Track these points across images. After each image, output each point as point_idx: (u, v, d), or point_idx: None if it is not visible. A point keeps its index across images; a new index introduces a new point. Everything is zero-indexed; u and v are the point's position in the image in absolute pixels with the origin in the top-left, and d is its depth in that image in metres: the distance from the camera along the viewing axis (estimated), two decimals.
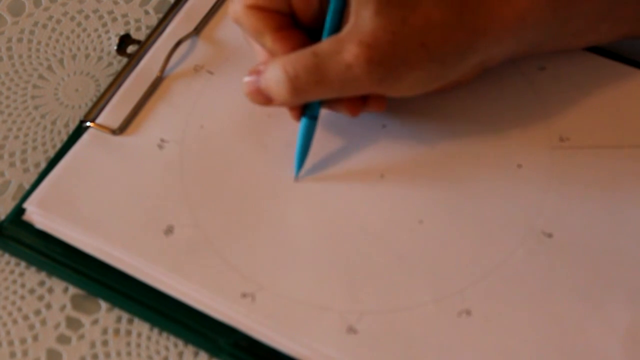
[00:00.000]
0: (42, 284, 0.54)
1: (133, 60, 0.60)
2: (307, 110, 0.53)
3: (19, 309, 0.53)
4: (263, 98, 0.52)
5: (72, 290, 0.54)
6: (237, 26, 0.54)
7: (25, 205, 0.55)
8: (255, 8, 0.52)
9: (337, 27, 0.51)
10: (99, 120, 0.58)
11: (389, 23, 0.49)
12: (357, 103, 0.52)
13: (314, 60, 0.50)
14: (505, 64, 0.56)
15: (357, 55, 0.49)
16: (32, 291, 0.54)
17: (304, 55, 0.50)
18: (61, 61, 0.62)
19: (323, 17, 0.52)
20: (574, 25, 0.53)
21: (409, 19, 0.49)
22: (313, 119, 0.53)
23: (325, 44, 0.50)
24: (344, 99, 0.52)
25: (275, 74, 0.51)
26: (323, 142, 0.56)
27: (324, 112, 0.55)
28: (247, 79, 0.53)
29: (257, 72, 0.52)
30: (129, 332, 0.52)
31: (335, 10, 0.51)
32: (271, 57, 0.53)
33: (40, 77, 0.62)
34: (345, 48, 0.49)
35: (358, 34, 0.49)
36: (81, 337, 0.52)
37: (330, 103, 0.53)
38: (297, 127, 0.54)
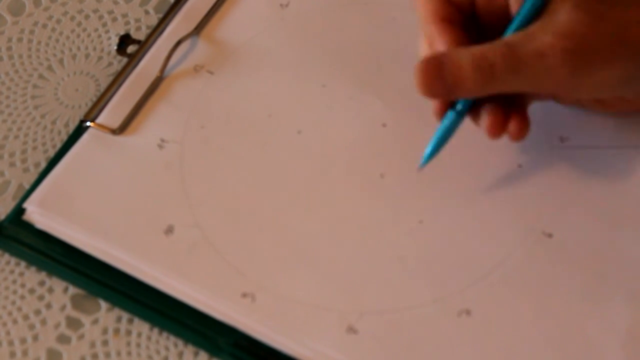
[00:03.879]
0: (42, 283, 0.54)
1: (133, 60, 0.60)
2: (456, 105, 0.51)
3: (19, 309, 0.53)
4: (442, 87, 0.50)
5: (72, 290, 0.54)
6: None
7: (25, 205, 0.55)
8: None
9: (527, 23, 0.50)
10: (99, 120, 0.58)
11: (587, 17, 0.48)
12: (502, 121, 0.51)
13: (508, 49, 0.48)
14: None
15: (553, 45, 0.48)
16: (32, 291, 0.54)
17: (496, 45, 0.49)
18: (61, 61, 0.62)
19: (504, 15, 0.51)
20: None
21: (608, 14, 0.48)
22: (460, 115, 0.51)
23: (516, 36, 0.49)
24: (489, 109, 0.51)
25: (467, 60, 0.49)
26: (322, 141, 0.56)
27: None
28: (424, 63, 0.50)
29: (437, 58, 0.49)
30: (129, 332, 0.52)
31: (532, 4, 0.49)
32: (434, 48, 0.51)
33: (40, 77, 0.62)
34: (538, 38, 0.48)
35: (552, 25, 0.48)
36: (81, 337, 0.52)
37: (477, 114, 0.51)
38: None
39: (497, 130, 0.51)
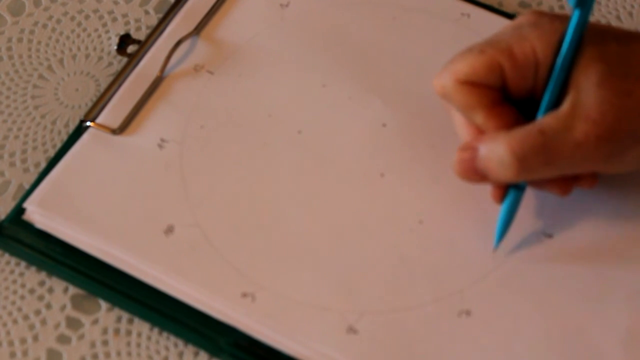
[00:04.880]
0: (42, 283, 0.54)
1: (133, 60, 0.60)
2: (514, 186, 0.51)
3: (19, 309, 0.53)
4: (478, 176, 0.50)
5: (72, 290, 0.54)
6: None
7: (25, 205, 0.55)
8: (468, 84, 0.50)
9: (557, 101, 0.49)
10: (99, 120, 0.58)
11: (614, 96, 0.48)
12: (569, 182, 0.51)
13: (542, 140, 0.48)
14: None
15: (587, 133, 0.47)
16: (32, 291, 0.54)
17: (530, 134, 0.48)
18: (61, 61, 0.62)
19: (535, 90, 0.50)
20: None
21: (635, 91, 0.48)
22: (520, 190, 0.51)
23: (550, 120, 0.48)
24: (557, 181, 0.51)
25: (499, 154, 0.49)
26: (322, 141, 0.56)
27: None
28: (460, 156, 0.50)
29: (471, 149, 0.50)
30: (129, 332, 0.52)
31: (556, 84, 0.49)
32: (479, 133, 0.51)
33: (40, 77, 0.62)
34: (572, 125, 0.48)
35: (583, 109, 0.48)
36: (81, 337, 0.52)
37: (542, 184, 0.51)
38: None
39: (566, 192, 0.51)
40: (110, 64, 0.62)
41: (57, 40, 0.63)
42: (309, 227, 0.54)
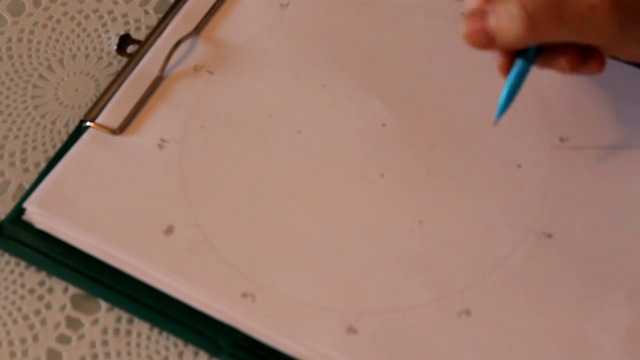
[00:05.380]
0: (42, 283, 0.54)
1: (133, 60, 0.60)
2: (522, 55, 0.50)
3: (19, 309, 0.53)
4: (486, 38, 0.49)
5: (72, 290, 0.54)
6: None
7: (25, 205, 0.55)
8: None
9: None
10: (99, 120, 0.58)
11: None
12: (578, 57, 0.50)
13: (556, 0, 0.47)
14: None
15: None
16: (32, 291, 0.54)
17: None
18: (61, 61, 0.62)
19: None
20: None
21: None
22: (528, 61, 0.50)
23: None
24: (567, 51, 0.49)
25: (511, 10, 0.48)
26: (322, 141, 0.56)
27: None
28: (469, 17, 0.49)
29: (481, 10, 0.49)
30: (129, 332, 0.52)
31: None
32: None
33: (40, 77, 0.62)
34: None
35: None
36: (81, 337, 0.52)
37: (550, 56, 0.50)
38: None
39: (575, 66, 0.50)
40: (110, 64, 0.62)
41: (57, 40, 0.63)
42: (309, 227, 0.54)
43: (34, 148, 0.59)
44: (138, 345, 0.52)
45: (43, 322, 0.53)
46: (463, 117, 0.57)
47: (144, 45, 0.61)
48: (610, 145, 0.55)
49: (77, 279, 0.53)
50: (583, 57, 0.50)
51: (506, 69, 0.51)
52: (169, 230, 0.53)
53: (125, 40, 0.62)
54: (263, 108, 0.58)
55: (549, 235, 0.53)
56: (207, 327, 0.51)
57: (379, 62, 0.60)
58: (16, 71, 0.62)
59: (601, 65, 0.50)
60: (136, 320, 0.52)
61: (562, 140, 0.56)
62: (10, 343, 0.52)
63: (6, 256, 0.55)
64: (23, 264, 0.54)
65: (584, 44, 0.50)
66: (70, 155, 0.56)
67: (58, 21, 0.64)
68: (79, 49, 0.63)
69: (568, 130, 0.56)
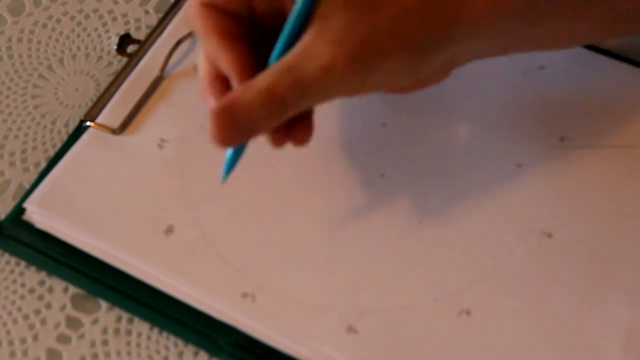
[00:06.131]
0: (42, 283, 0.54)
1: (133, 60, 0.60)
2: None
3: (19, 309, 0.53)
4: (240, 134, 0.48)
5: (72, 289, 0.54)
6: None
7: (25, 204, 0.55)
8: (211, 6, 0.48)
9: (299, 32, 0.47)
10: (99, 119, 0.58)
11: (359, 15, 0.47)
12: (281, 136, 0.49)
13: (293, 76, 0.46)
14: (505, 63, 0.56)
15: (334, 56, 0.46)
16: (32, 291, 0.54)
17: (280, 72, 0.47)
18: (61, 61, 0.62)
19: (283, 20, 0.48)
20: (549, 26, 0.51)
21: (378, 8, 0.47)
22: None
23: (297, 54, 0.47)
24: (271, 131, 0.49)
25: (258, 102, 0.47)
26: (322, 141, 0.56)
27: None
28: (215, 112, 0.47)
29: (226, 103, 0.47)
30: (129, 332, 0.52)
31: (300, 12, 0.47)
32: (213, 75, 0.49)
33: (40, 76, 0.62)
34: (318, 52, 0.46)
35: (329, 33, 0.46)
36: (81, 336, 0.52)
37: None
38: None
39: (279, 143, 0.49)
40: (110, 63, 0.62)
41: (57, 40, 0.63)
42: (308, 227, 0.54)
43: (34, 148, 0.59)
44: (138, 345, 0.52)
45: (43, 322, 0.53)
46: (463, 117, 0.57)
47: (144, 45, 0.61)
48: (610, 145, 0.55)
49: (77, 279, 0.53)
50: (285, 133, 0.49)
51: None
52: (169, 230, 0.53)
53: (125, 40, 0.62)
54: None
55: (549, 235, 0.53)
56: (207, 327, 0.51)
57: None
58: (16, 71, 0.62)
59: (307, 133, 0.49)
60: (136, 320, 0.52)
61: (562, 140, 0.56)
62: (10, 343, 0.52)
63: (6, 256, 0.55)
64: (23, 263, 0.54)
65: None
66: (71, 155, 0.56)
67: (58, 21, 0.64)
68: (79, 48, 0.63)
69: (568, 130, 0.56)
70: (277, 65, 0.47)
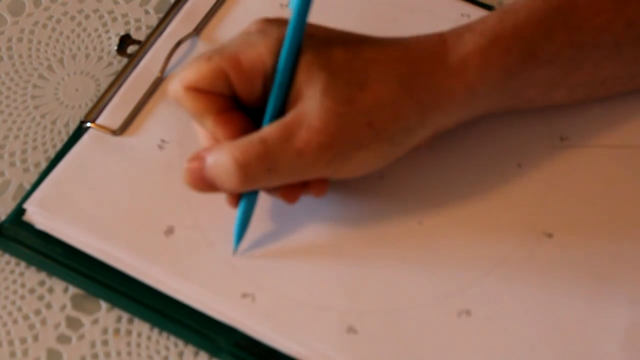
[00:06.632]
0: (42, 283, 0.54)
1: (133, 60, 0.60)
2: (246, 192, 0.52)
3: (19, 309, 0.53)
4: (207, 186, 0.50)
5: (72, 290, 0.54)
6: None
7: (26, 205, 0.55)
8: (196, 90, 0.50)
9: (281, 110, 0.49)
10: (100, 120, 0.58)
11: (337, 104, 0.48)
12: (296, 190, 0.51)
13: (264, 148, 0.48)
14: None
15: (308, 142, 0.48)
16: (32, 291, 0.54)
17: (252, 143, 0.48)
18: (61, 61, 0.62)
19: (266, 98, 0.50)
20: (526, 94, 0.53)
21: (357, 98, 0.48)
22: (253, 195, 0.52)
23: (273, 129, 0.48)
24: (279, 187, 0.51)
25: (223, 163, 0.49)
26: None
27: None
28: (188, 166, 0.50)
29: (199, 159, 0.50)
30: (129, 332, 0.52)
31: (279, 91, 0.49)
32: (214, 141, 0.51)
33: (40, 77, 0.62)
34: (294, 133, 0.48)
35: (306, 117, 0.48)
36: (81, 337, 0.52)
37: (269, 191, 0.51)
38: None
39: (293, 199, 0.51)
40: (110, 64, 0.62)
41: (57, 40, 0.63)
42: (308, 227, 0.54)
43: (34, 148, 0.59)
44: (138, 345, 0.52)
45: (43, 322, 0.53)
46: None
47: (144, 46, 0.61)
48: (610, 145, 0.55)
49: (78, 279, 0.53)
50: (301, 187, 0.51)
51: (235, 204, 0.52)
52: (169, 230, 0.54)
53: (125, 41, 0.62)
54: None
55: (549, 235, 0.53)
56: (207, 327, 0.51)
57: None
58: (16, 71, 0.62)
59: (322, 188, 0.51)
60: (136, 320, 0.52)
61: (562, 139, 0.56)
62: (11, 343, 0.52)
63: (6, 256, 0.55)
64: (23, 264, 0.54)
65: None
66: (71, 156, 0.56)
67: (58, 21, 0.64)
68: (79, 49, 0.63)
69: (568, 130, 0.56)
70: (253, 134, 0.49)
